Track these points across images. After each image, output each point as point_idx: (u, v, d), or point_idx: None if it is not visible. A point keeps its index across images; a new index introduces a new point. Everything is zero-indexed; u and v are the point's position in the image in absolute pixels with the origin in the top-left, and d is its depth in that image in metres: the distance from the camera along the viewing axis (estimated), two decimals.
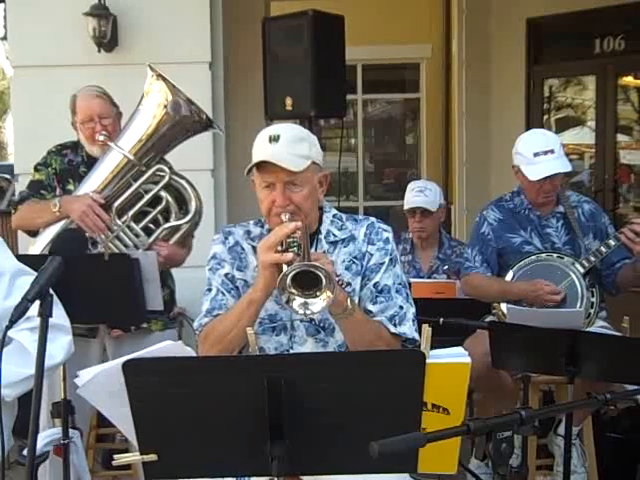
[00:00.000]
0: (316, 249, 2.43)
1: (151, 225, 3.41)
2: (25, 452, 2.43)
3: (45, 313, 1.95)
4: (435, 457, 1.91)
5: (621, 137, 8.18)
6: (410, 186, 4.75)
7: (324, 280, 2.10)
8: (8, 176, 16.55)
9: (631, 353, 2.79)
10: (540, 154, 3.60)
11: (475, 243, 3.84)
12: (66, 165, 3.51)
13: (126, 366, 1.75)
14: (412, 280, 3.98)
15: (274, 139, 2.33)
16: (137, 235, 3.36)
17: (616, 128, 7.98)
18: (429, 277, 4.51)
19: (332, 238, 2.47)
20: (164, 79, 3.34)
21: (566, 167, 3.65)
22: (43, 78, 4.83)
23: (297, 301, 2.13)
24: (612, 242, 3.55)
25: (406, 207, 4.65)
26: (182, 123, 3.38)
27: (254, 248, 2.46)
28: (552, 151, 3.60)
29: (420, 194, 4.60)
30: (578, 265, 3.62)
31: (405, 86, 10.72)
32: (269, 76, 4.87)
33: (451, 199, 8.47)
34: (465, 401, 1.96)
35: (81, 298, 2.61)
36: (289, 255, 2.18)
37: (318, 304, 2.13)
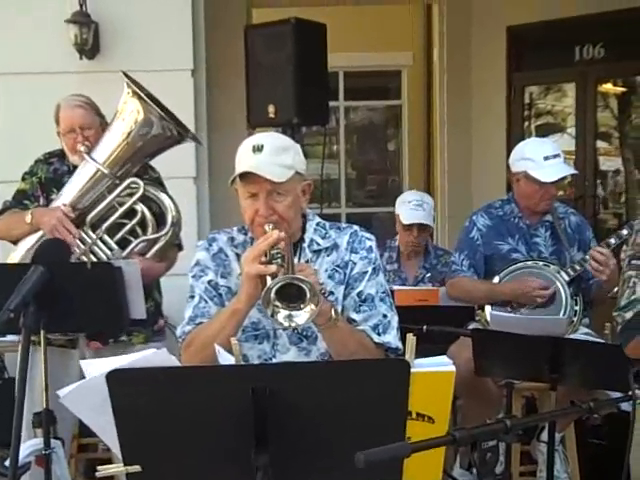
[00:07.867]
0: (300, 258, 2.43)
1: (129, 237, 3.38)
2: (7, 463, 2.42)
3: (27, 323, 1.93)
4: (420, 467, 1.91)
5: (601, 144, 8.22)
6: (404, 198, 4.61)
7: (308, 293, 2.10)
8: None
9: (613, 360, 2.80)
10: (550, 158, 3.68)
11: (463, 247, 3.85)
12: (51, 174, 3.48)
13: (110, 376, 1.72)
14: (395, 288, 3.94)
15: (258, 149, 2.33)
16: (110, 249, 3.33)
17: (596, 135, 8.02)
18: (415, 286, 4.45)
19: (315, 247, 2.47)
20: (139, 97, 3.31)
21: (573, 170, 3.92)
22: (25, 85, 4.79)
23: (282, 314, 2.13)
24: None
25: (406, 222, 4.47)
26: (154, 140, 3.36)
27: (238, 255, 2.45)
28: (559, 155, 3.71)
29: (419, 208, 4.47)
30: (563, 273, 3.64)
31: (387, 93, 10.72)
32: (251, 84, 4.86)
33: None
34: (450, 410, 1.97)
35: (64, 307, 2.58)
36: (273, 267, 2.18)
37: (302, 316, 2.13)
